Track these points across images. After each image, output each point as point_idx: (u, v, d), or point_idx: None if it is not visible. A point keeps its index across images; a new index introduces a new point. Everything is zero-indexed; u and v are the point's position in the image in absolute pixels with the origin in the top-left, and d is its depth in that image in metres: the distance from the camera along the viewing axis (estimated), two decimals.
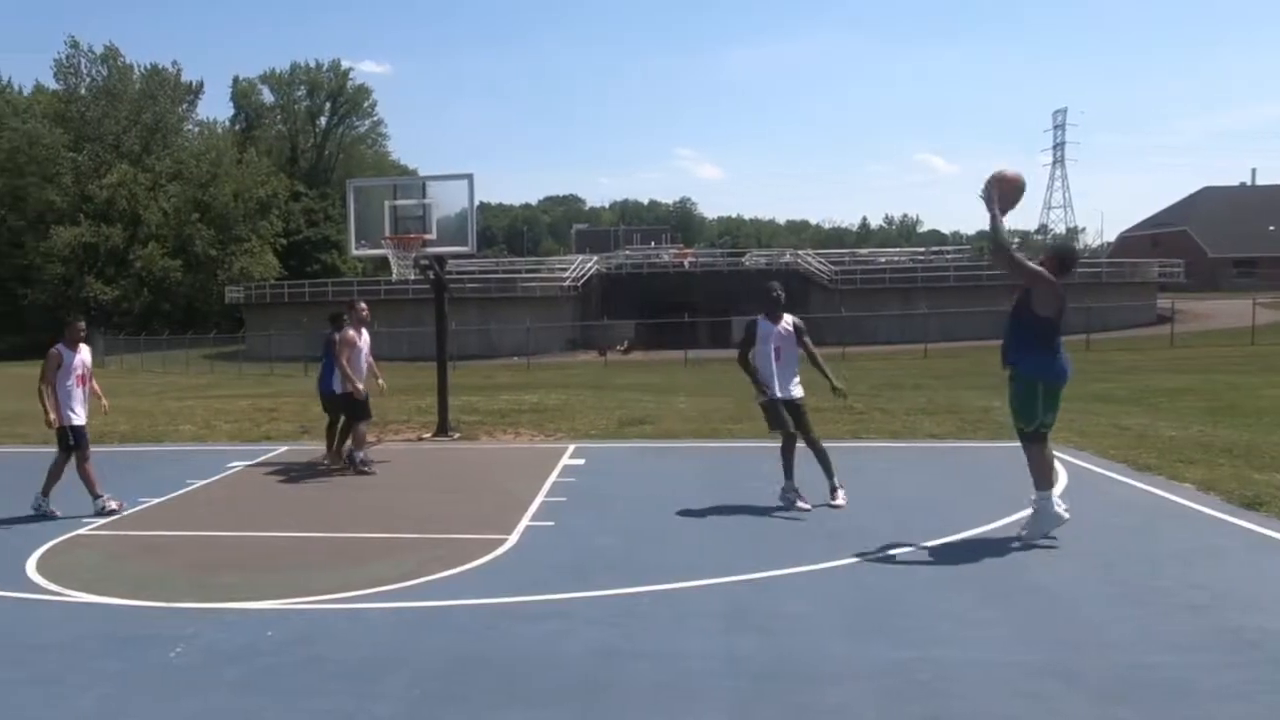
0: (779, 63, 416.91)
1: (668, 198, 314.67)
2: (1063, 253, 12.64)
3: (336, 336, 20.09)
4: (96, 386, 17.18)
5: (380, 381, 20.62)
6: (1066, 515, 12.55)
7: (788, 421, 15.21)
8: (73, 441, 16.18)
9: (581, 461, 19.70)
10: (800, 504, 14.87)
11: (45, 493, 16.15)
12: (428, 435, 24.34)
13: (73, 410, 16.24)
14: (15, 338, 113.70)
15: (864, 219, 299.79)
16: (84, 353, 16.70)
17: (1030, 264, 12.34)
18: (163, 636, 9.67)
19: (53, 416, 16.10)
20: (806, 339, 15.61)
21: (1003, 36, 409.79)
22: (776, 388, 15.42)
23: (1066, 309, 12.43)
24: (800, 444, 15.22)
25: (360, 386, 19.39)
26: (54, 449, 16.46)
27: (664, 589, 10.95)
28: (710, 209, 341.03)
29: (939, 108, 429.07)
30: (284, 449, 22.94)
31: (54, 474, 16.30)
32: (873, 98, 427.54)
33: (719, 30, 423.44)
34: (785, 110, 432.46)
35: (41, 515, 15.72)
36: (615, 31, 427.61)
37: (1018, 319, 12.44)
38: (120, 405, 32.28)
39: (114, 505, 15.95)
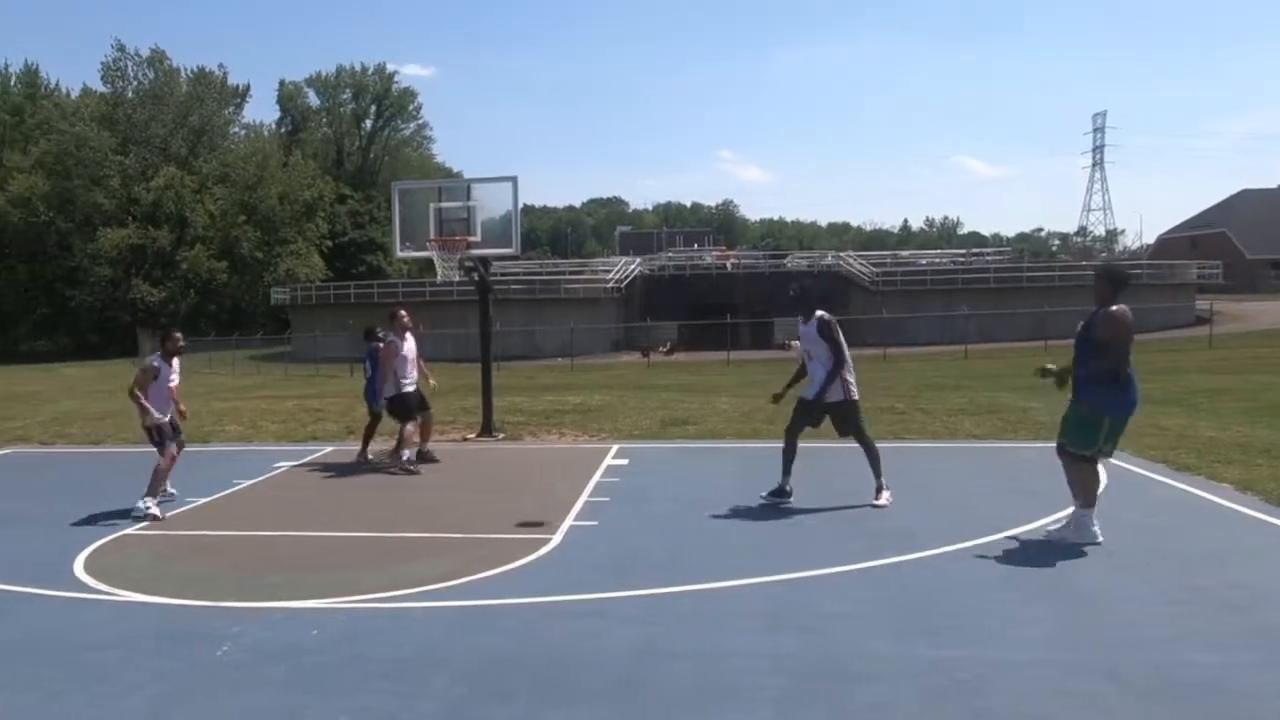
0: (819, 65, 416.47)
1: (710, 200, 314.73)
2: (1114, 275, 12.34)
3: (379, 347, 20.38)
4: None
5: (431, 382, 20.91)
6: (1100, 539, 12.38)
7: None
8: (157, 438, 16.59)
9: (625, 461, 19.70)
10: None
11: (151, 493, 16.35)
12: (472, 436, 24.35)
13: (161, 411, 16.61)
14: (64, 339, 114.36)
15: (905, 221, 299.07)
16: (177, 366, 17.14)
17: (1107, 328, 12.02)
18: (209, 635, 9.72)
19: (155, 414, 16.62)
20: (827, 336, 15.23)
21: (1042, 41, 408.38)
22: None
23: (1130, 334, 12.14)
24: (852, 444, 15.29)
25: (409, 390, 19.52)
26: (92, 449, 16.53)
27: (707, 588, 10.96)
28: (752, 211, 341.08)
29: (979, 111, 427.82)
30: (330, 449, 22.99)
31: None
32: (912, 100, 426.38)
33: (760, 32, 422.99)
34: (826, 112, 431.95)
35: (92, 516, 15.79)
36: (658, 34, 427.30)
37: (1084, 348, 12.31)
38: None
39: (156, 512, 15.98)
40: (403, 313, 20.44)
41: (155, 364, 16.63)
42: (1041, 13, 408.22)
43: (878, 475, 15.18)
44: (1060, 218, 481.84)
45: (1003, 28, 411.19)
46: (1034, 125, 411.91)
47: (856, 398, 15.35)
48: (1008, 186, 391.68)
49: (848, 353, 15.29)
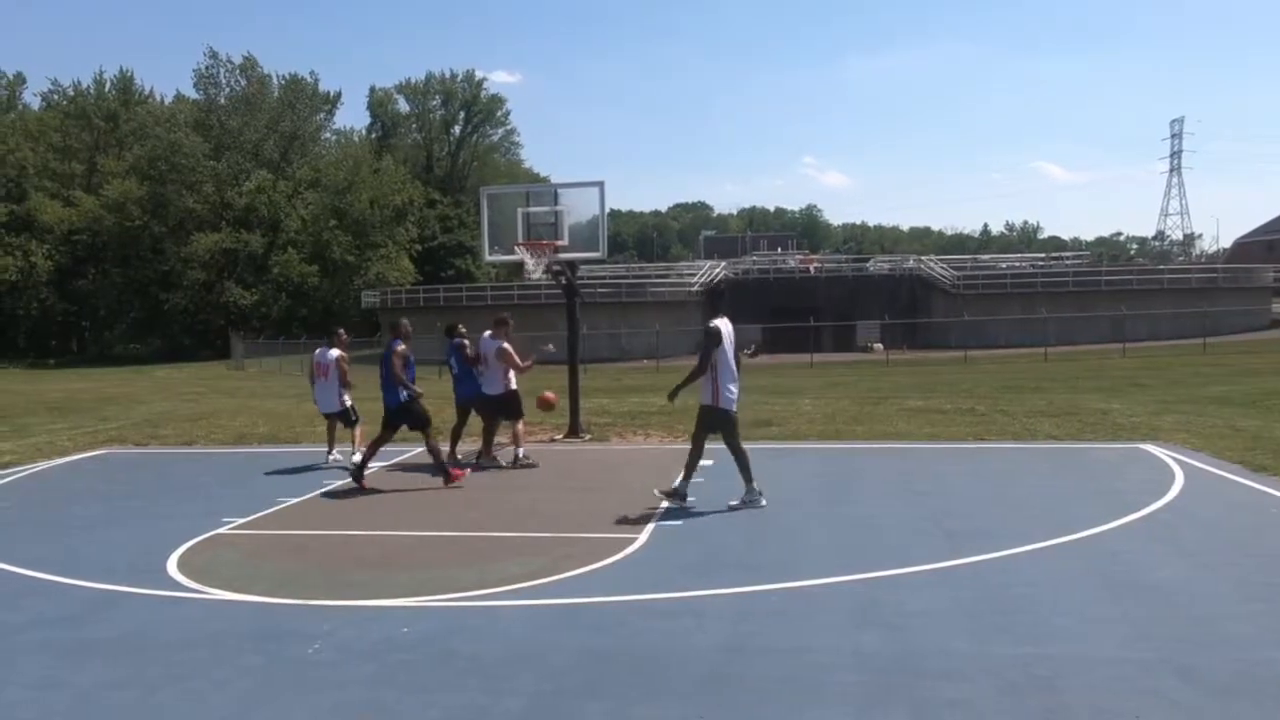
0: (900, 72, 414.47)
1: (793, 205, 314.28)
2: None
3: (462, 344, 20.70)
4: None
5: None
6: None
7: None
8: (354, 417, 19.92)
9: (710, 462, 19.61)
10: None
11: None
12: (560, 437, 24.40)
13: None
14: (156, 341, 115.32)
15: (985, 225, 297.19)
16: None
17: None
18: (300, 633, 9.74)
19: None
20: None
21: (1121, 48, 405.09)
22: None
23: None
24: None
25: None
26: (184, 450, 16.63)
27: (790, 586, 10.94)
28: (835, 216, 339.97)
29: (1058, 117, 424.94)
30: (419, 450, 23.02)
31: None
32: (992, 106, 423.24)
33: (841, 40, 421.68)
34: (907, 118, 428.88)
35: (184, 516, 15.88)
36: (740, 41, 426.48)
37: None
38: (259, 408, 32.56)
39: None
40: (405, 322, 20.51)
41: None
42: (1120, 20, 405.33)
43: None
44: (1138, 222, 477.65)
45: (1082, 35, 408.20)
46: (1112, 131, 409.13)
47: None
48: (1086, 192, 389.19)
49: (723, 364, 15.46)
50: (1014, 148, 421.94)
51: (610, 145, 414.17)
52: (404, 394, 18.67)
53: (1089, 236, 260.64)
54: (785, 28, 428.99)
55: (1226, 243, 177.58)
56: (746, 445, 19.07)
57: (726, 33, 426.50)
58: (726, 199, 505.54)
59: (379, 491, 17.88)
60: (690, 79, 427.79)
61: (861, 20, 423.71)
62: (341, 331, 22.39)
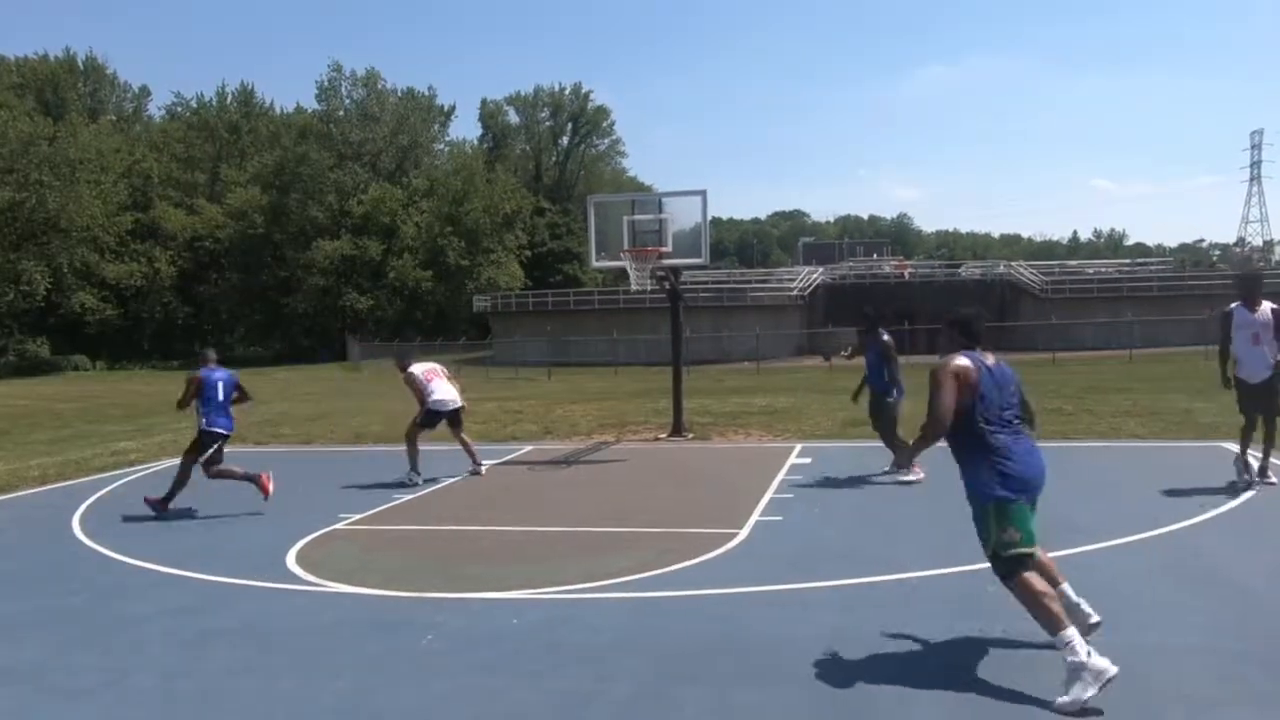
0: (981, 82, 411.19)
1: (885, 213, 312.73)
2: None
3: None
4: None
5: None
6: None
7: None
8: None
9: (808, 460, 19.61)
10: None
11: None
12: (663, 435, 24.44)
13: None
14: (278, 345, 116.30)
15: (1074, 232, 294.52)
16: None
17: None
18: (414, 624, 9.81)
19: None
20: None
21: (1200, 59, 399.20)
22: None
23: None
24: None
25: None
26: (302, 449, 16.79)
27: (890, 579, 10.93)
28: (927, 223, 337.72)
29: (1142, 128, 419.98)
30: (529, 448, 23.16)
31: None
32: (1074, 119, 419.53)
33: (918, 51, 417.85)
34: (994, 126, 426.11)
35: (302, 512, 16.02)
36: (830, 53, 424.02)
37: None
38: (374, 407, 32.77)
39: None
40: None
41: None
42: (1199, 32, 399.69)
43: None
44: (1220, 229, 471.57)
45: (1162, 47, 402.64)
46: (1193, 141, 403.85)
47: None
48: (1170, 200, 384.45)
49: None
50: (1101, 157, 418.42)
51: (712, 156, 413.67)
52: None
53: (1173, 243, 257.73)
54: (866, 40, 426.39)
55: None
56: (840, 444, 18.98)
57: (812, 48, 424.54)
58: (823, 207, 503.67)
59: (488, 489, 17.98)
60: (785, 91, 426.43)
61: (938, 32, 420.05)
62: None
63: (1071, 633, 7.50)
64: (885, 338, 18.78)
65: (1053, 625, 7.58)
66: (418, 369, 19.72)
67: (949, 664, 8.28)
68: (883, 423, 18.39)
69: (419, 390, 19.40)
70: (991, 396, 8.05)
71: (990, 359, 8.21)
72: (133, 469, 22.11)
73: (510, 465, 20.92)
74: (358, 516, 15.53)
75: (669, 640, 9.10)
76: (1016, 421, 8.25)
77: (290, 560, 12.71)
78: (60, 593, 11.54)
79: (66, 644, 9.57)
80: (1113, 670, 7.22)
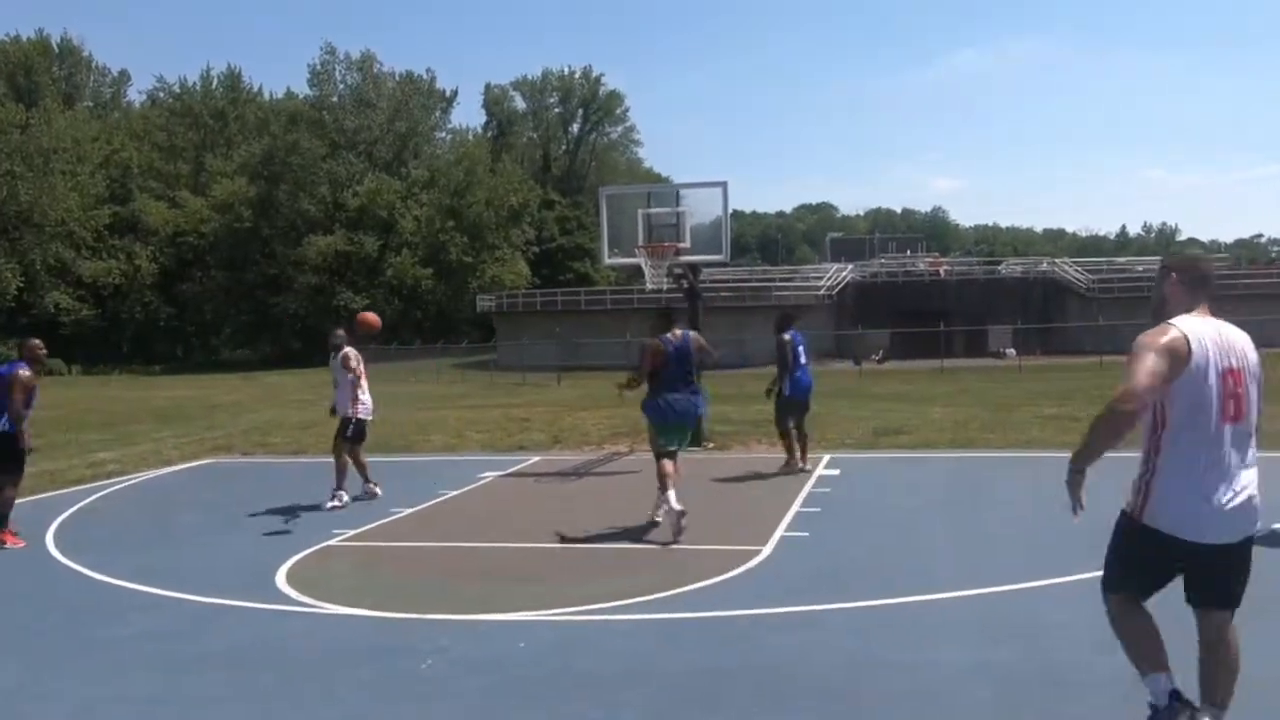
0: (1028, 68, 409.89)
1: (919, 206, 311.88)
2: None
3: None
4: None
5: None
6: None
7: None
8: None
9: (836, 472, 19.61)
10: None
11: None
12: None
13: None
14: (265, 347, 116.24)
15: (1122, 227, 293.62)
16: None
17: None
18: (413, 648, 9.80)
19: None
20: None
21: (1259, 49, 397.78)
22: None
23: None
24: None
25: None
26: (294, 459, 16.85)
27: (921, 600, 10.91)
28: (964, 217, 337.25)
29: (1195, 117, 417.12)
30: (536, 459, 23.16)
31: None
32: (1125, 105, 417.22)
33: (956, 35, 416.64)
34: (1035, 114, 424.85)
35: (294, 527, 16.07)
36: (860, 41, 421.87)
37: None
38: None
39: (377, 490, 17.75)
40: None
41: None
42: (1259, 9, 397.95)
43: None
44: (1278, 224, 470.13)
45: (1219, 24, 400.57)
46: (1252, 129, 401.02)
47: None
48: (1226, 192, 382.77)
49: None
50: (1150, 148, 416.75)
51: (733, 145, 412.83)
52: None
53: (1228, 238, 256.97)
54: (900, 27, 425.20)
55: None
56: (871, 455, 18.99)
57: (842, 32, 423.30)
58: (852, 200, 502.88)
59: (492, 503, 18.00)
60: (813, 77, 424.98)
61: (980, 16, 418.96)
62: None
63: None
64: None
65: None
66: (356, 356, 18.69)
67: (979, 690, 8.26)
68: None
69: (356, 383, 18.32)
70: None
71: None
72: (111, 481, 22.08)
73: (517, 477, 20.91)
74: (353, 532, 15.53)
75: (682, 666, 9.10)
76: None
77: (280, 579, 12.70)
78: (32, 613, 11.56)
79: (39, 669, 9.58)
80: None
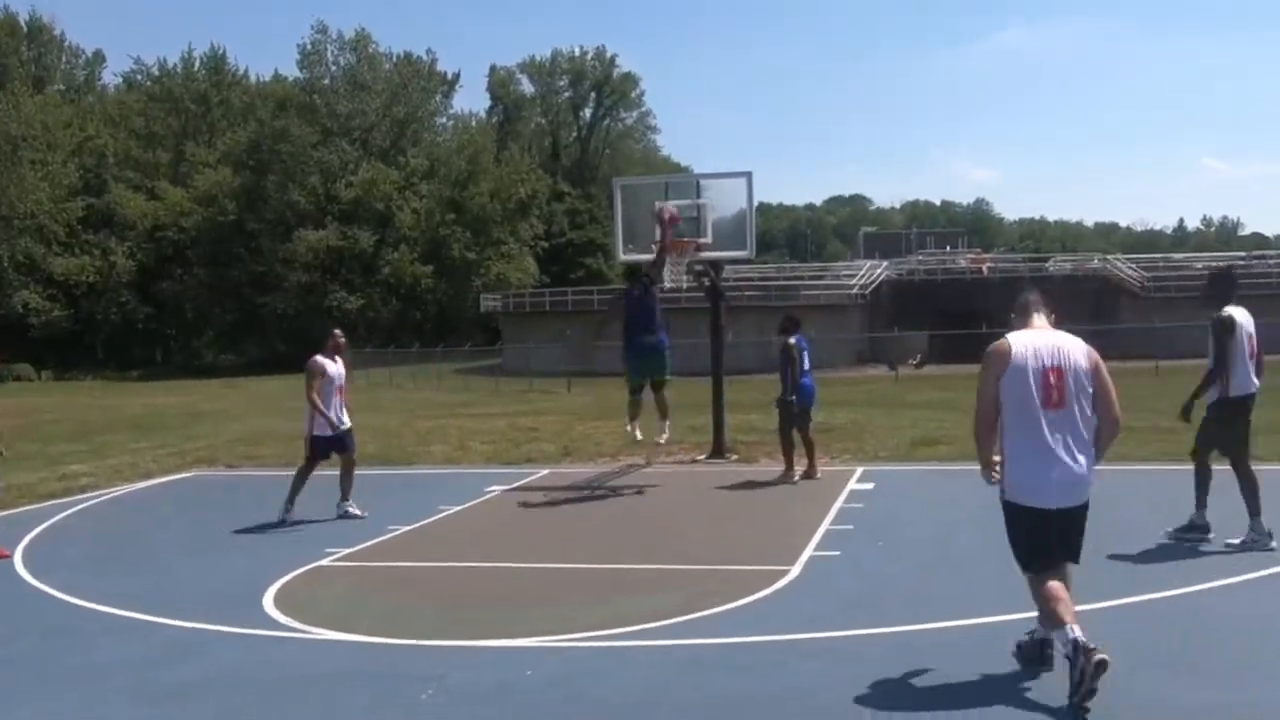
0: (1076, 47, 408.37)
1: (959, 198, 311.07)
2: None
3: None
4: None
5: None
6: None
7: None
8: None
9: (870, 486, 19.60)
10: None
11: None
12: (701, 457, 24.48)
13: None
14: (251, 350, 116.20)
15: (1180, 221, 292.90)
16: (340, 363, 18.40)
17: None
18: (412, 676, 9.80)
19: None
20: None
21: None
22: None
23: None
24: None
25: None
26: (284, 473, 16.95)
27: (961, 624, 10.89)
28: (1008, 210, 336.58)
29: (1259, 105, 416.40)
30: (545, 472, 23.18)
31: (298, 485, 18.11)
32: (1182, 94, 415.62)
33: (989, 14, 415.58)
34: (1084, 99, 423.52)
35: (283, 546, 16.09)
36: (894, 24, 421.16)
37: None
38: (367, 424, 32.88)
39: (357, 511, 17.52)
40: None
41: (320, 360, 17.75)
42: None
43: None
44: None
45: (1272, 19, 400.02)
46: None
47: None
48: None
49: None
50: (1212, 136, 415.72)
51: (758, 133, 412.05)
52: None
53: None
54: (941, 11, 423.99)
55: None
56: (908, 467, 19.02)
57: (881, 15, 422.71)
58: (887, 192, 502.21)
59: (498, 520, 18.02)
60: (847, 61, 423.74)
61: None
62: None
63: None
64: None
65: None
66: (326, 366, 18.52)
67: (1024, 718, 8.24)
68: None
69: (320, 394, 18.17)
70: None
71: None
72: (85, 496, 22.13)
73: (524, 492, 20.90)
74: (347, 550, 15.53)
75: (701, 696, 9.07)
76: None
77: (268, 602, 12.69)
78: (0, 639, 11.57)
79: (4, 699, 9.59)
80: None
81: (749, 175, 23.96)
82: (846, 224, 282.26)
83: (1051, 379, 9.04)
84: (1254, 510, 14.25)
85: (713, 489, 20.44)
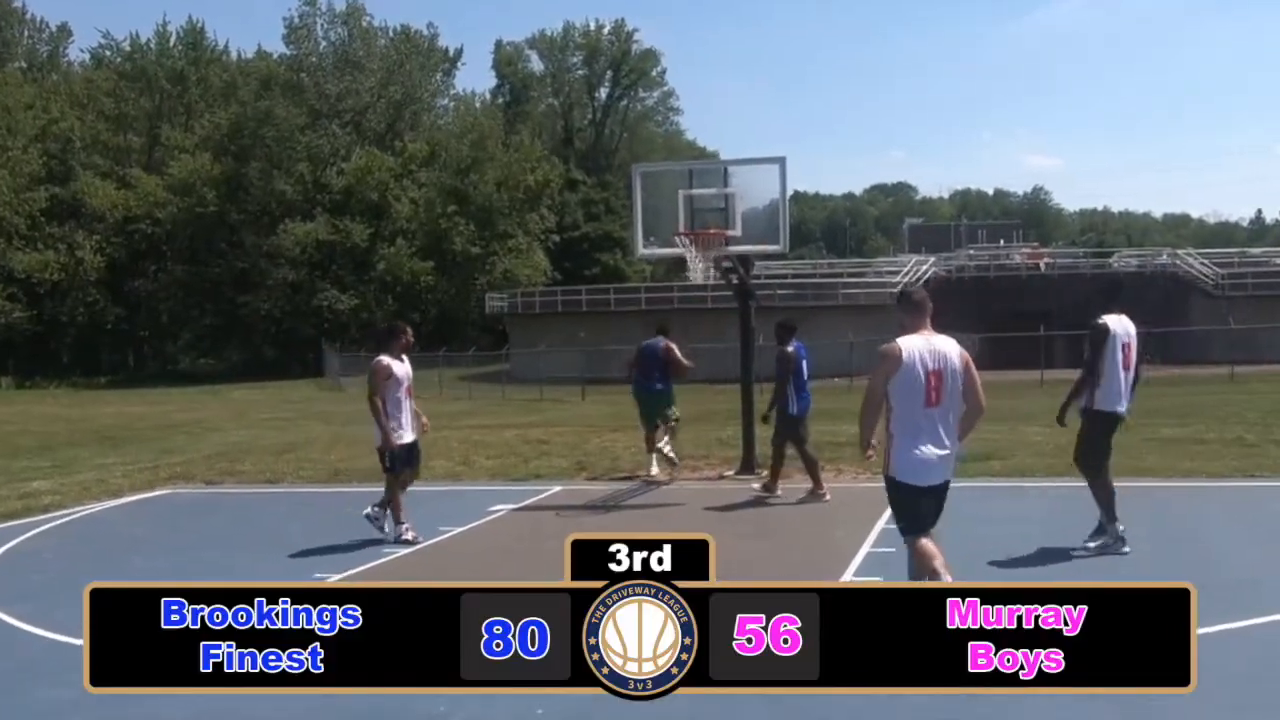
0: (1143, 21, 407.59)
1: (1014, 186, 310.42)
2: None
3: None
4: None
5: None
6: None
7: None
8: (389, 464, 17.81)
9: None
10: None
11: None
12: (730, 473, 24.50)
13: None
14: (232, 355, 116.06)
15: (1258, 212, 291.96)
16: (407, 363, 18.26)
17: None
18: (413, 712, 9.86)
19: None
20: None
21: None
22: None
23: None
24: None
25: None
26: (268, 490, 16.93)
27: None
28: (1068, 200, 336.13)
29: None
30: (557, 489, 23.19)
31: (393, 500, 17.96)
32: (1262, 64, 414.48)
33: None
34: (1151, 78, 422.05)
35: (268, 571, 16.10)
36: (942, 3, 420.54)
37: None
38: (360, 437, 32.96)
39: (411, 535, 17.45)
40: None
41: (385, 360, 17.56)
42: None
43: None
44: None
45: None
46: None
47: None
48: None
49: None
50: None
51: (792, 116, 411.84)
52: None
53: None
54: None
55: None
56: (956, 484, 19.09)
57: None
58: (933, 179, 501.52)
59: (504, 543, 18.05)
60: (886, 39, 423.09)
61: None
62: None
63: None
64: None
65: None
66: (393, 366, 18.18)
67: None
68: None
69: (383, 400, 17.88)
70: None
71: None
72: (48, 516, 22.12)
73: (533, 511, 21.00)
74: (339, 576, 15.49)
75: None
76: None
77: None
78: None
79: None
80: None
81: (782, 161, 23.91)
82: (889, 215, 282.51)
83: (934, 381, 11.48)
84: (1109, 517, 15.79)
85: (742, 508, 20.45)
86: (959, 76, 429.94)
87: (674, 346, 23.82)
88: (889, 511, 19.26)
